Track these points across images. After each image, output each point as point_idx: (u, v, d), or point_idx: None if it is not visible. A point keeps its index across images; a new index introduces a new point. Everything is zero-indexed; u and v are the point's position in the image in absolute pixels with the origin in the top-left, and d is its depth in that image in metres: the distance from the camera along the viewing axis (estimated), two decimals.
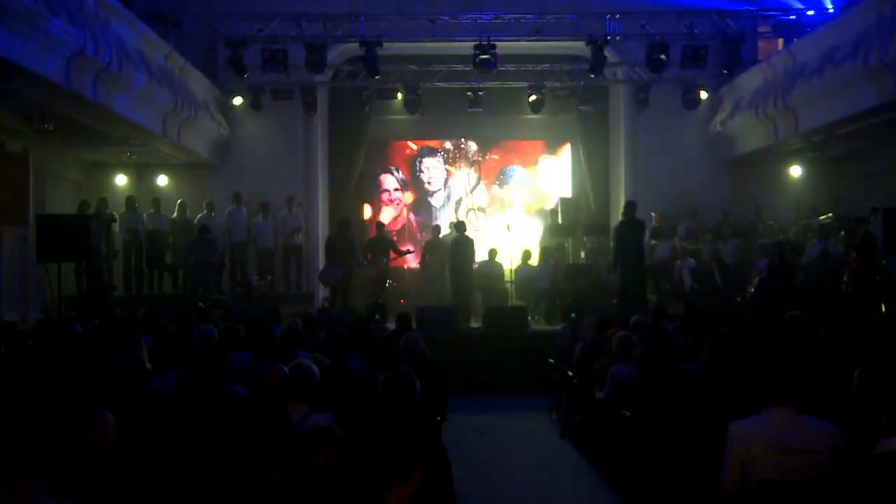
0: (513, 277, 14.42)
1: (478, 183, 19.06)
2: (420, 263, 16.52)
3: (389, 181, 19.03)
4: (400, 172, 19.03)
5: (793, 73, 13.50)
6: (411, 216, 19.05)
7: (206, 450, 3.55)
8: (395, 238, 17.18)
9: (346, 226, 14.58)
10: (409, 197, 19.02)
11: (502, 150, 19.19)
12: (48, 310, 12.65)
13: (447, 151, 19.09)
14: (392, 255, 14.89)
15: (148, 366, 6.79)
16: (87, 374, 6.05)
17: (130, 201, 15.30)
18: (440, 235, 16.01)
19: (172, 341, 7.37)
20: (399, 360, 6.35)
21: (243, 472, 3.48)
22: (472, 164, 19.07)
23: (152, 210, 15.56)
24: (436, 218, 18.53)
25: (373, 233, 16.13)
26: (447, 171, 19.08)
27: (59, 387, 4.74)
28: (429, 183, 19.06)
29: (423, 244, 16.49)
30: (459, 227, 14.63)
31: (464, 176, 19.04)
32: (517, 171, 19.14)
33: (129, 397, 4.92)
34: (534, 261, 16.19)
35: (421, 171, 19.03)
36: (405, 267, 16.89)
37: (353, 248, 14.47)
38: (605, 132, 18.28)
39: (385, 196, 18.98)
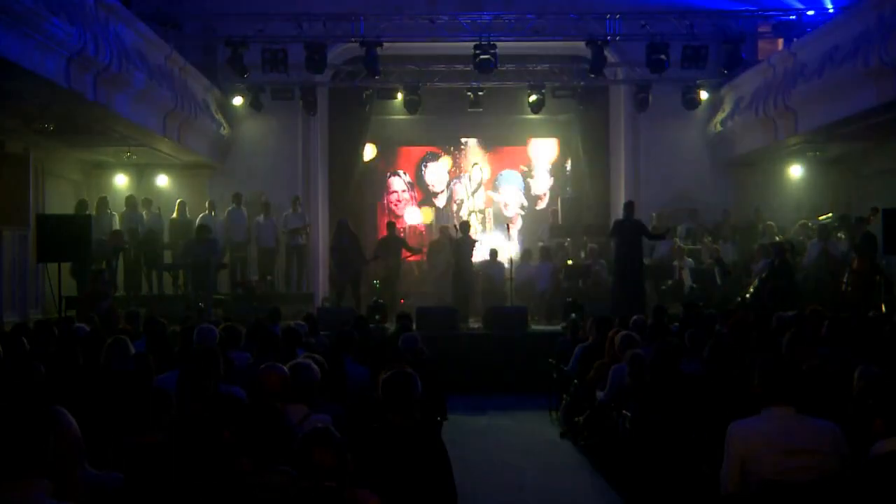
0: (513, 276, 14.43)
1: (479, 186, 19.08)
2: (427, 263, 16.53)
3: (397, 183, 19.09)
4: (406, 175, 19.08)
5: (793, 73, 13.50)
6: (417, 217, 19.09)
7: (206, 450, 3.55)
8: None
9: (345, 227, 14.61)
10: (416, 198, 19.10)
11: (502, 150, 19.20)
12: (48, 310, 12.65)
13: (448, 153, 19.13)
14: (404, 253, 14.96)
15: None
16: (87, 373, 6.06)
17: (130, 201, 15.30)
18: (446, 236, 15.98)
19: (172, 341, 7.37)
20: (401, 360, 6.35)
21: (243, 472, 3.49)
22: (472, 166, 19.10)
23: (145, 210, 15.51)
24: (440, 219, 18.54)
25: (383, 232, 16.16)
26: (449, 173, 19.12)
27: (49, 386, 4.74)
28: (432, 185, 19.12)
29: (429, 244, 16.50)
30: (463, 227, 14.64)
31: (465, 179, 19.07)
32: (517, 171, 19.16)
33: (129, 397, 4.92)
34: (534, 261, 16.22)
35: (425, 175, 19.08)
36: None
37: (360, 246, 14.54)
38: (605, 132, 18.27)
39: (393, 197, 19.05)
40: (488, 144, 19.11)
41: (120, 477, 3.68)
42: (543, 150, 19.22)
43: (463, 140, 19.07)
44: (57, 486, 3.01)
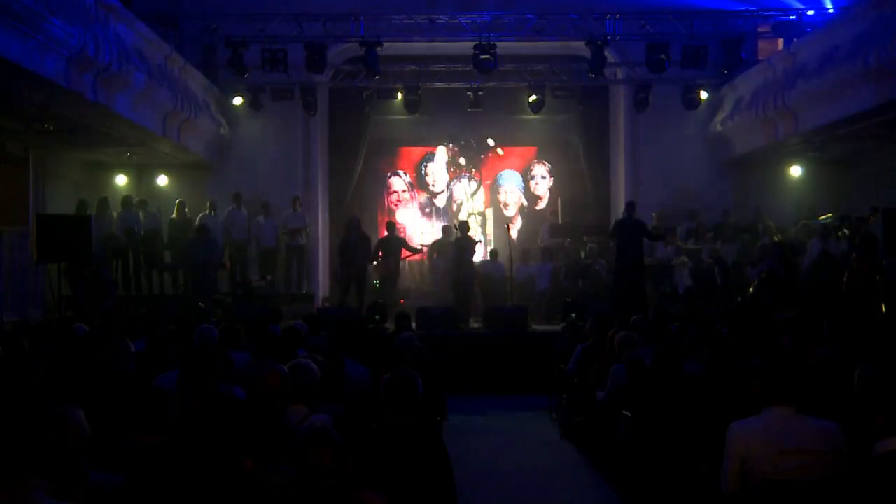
0: (512, 275, 14.44)
1: (478, 188, 19.08)
2: (428, 263, 16.53)
3: (397, 183, 19.10)
4: (407, 175, 19.09)
5: (793, 73, 13.50)
6: (418, 217, 19.09)
7: (205, 450, 3.55)
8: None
9: (355, 224, 14.63)
10: (416, 198, 19.10)
11: (502, 150, 19.18)
12: (48, 310, 12.65)
13: (449, 151, 19.12)
14: (404, 253, 14.96)
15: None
16: (87, 373, 6.06)
17: (126, 202, 15.29)
18: (450, 236, 16.00)
19: (172, 341, 7.36)
20: (402, 360, 6.35)
21: (245, 472, 3.49)
22: (472, 168, 19.09)
23: (141, 211, 15.49)
24: (442, 219, 18.52)
25: (382, 233, 16.15)
26: (449, 173, 19.12)
27: (50, 386, 4.74)
28: (433, 185, 19.12)
29: (431, 244, 16.49)
30: (462, 227, 14.65)
31: (464, 180, 19.06)
32: (517, 172, 19.15)
33: (129, 397, 4.92)
34: (534, 261, 16.21)
35: (426, 175, 19.10)
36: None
37: (368, 245, 14.54)
38: (605, 132, 18.27)
39: (393, 197, 19.05)
40: (488, 144, 19.08)
41: (120, 478, 3.68)
42: (543, 150, 19.19)
43: (463, 140, 19.05)
44: (61, 485, 3.01)
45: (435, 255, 16.04)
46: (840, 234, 14.28)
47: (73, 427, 3.40)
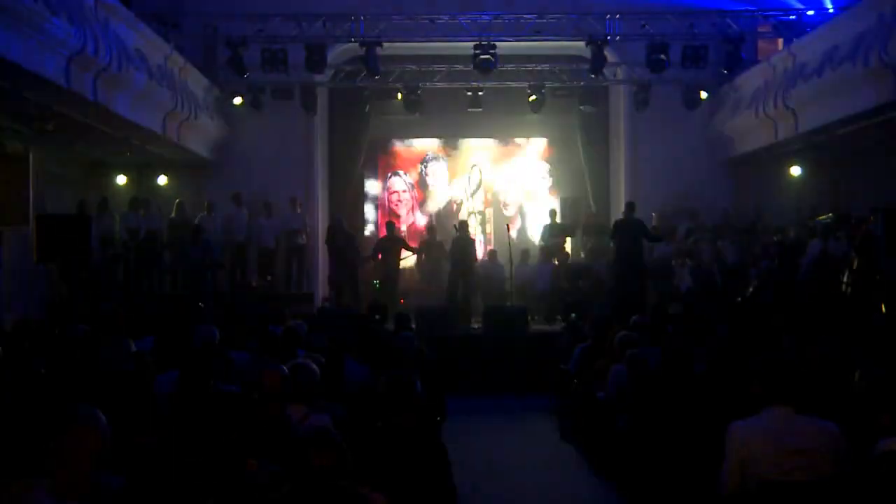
0: (512, 275, 14.44)
1: (478, 187, 19.07)
2: (416, 263, 16.54)
3: (398, 183, 19.09)
4: (407, 175, 19.08)
5: (793, 73, 13.51)
6: (418, 217, 19.08)
7: (206, 450, 3.56)
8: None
9: (339, 225, 14.62)
10: (416, 198, 19.10)
11: (502, 150, 19.20)
12: (48, 310, 12.65)
13: (448, 153, 19.11)
14: (404, 253, 14.97)
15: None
16: (87, 373, 6.05)
17: (134, 202, 15.29)
18: (437, 236, 16.00)
19: (172, 341, 7.36)
20: (401, 360, 6.36)
21: (244, 472, 3.49)
22: (472, 167, 19.08)
23: (143, 211, 15.48)
24: (436, 219, 18.52)
25: (382, 233, 16.13)
26: (449, 173, 19.11)
27: (50, 386, 4.75)
28: (432, 185, 19.11)
29: (419, 244, 16.52)
30: (462, 227, 14.62)
31: (464, 180, 19.06)
32: (517, 172, 19.15)
33: (129, 397, 4.92)
34: (534, 261, 16.20)
35: (427, 175, 19.08)
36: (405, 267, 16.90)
37: (355, 244, 14.53)
38: (605, 132, 18.28)
39: (394, 197, 19.05)
40: (488, 144, 19.09)
41: (121, 478, 3.68)
42: (543, 151, 19.20)
43: (462, 140, 19.05)
44: (65, 485, 3.01)
45: (423, 256, 16.06)
46: (840, 234, 14.28)
47: (89, 426, 3.40)
